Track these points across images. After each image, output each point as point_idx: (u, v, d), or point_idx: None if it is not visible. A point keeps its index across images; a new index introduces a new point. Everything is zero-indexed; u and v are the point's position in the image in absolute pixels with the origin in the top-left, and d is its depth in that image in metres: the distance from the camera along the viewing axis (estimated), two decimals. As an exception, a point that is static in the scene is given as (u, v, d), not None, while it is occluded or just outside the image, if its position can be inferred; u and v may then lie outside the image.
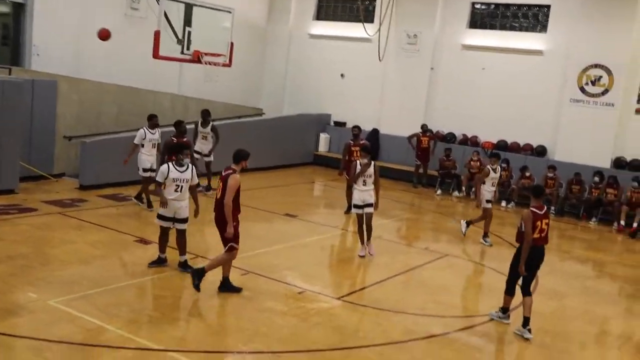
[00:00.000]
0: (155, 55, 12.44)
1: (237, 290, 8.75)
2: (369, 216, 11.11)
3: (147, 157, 12.71)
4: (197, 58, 13.03)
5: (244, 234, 8.70)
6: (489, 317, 8.63)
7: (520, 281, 8.40)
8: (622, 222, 15.51)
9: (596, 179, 16.66)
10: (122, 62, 17.52)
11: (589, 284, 11.31)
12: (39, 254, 9.60)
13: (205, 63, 13.14)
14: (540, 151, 18.56)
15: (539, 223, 8.11)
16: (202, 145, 14.82)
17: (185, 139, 12.30)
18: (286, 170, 19.64)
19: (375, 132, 20.97)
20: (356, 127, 14.87)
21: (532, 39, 18.73)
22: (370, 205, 11.14)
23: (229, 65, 13.82)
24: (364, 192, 11.12)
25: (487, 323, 8.56)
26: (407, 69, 20.53)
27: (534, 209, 8.19)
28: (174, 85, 19.48)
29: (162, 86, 18.53)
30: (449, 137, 19.92)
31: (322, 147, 21.72)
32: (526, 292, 8.32)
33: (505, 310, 8.57)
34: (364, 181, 11.09)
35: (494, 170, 12.98)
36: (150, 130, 12.81)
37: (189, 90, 19.40)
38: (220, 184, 8.55)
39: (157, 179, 9.17)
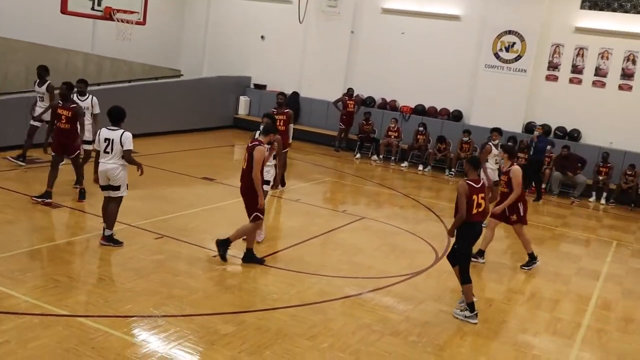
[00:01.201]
0: (64, 10, 11.82)
1: (261, 261, 8.75)
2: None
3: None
4: (108, 15, 12.47)
5: (160, 198, 8.56)
6: (454, 316, 7.83)
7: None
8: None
9: (509, 143, 17.19)
10: (31, 18, 16.66)
11: (505, 245, 11.75)
12: (-61, 218, 9.16)
13: (118, 20, 12.61)
14: (457, 115, 18.98)
15: (475, 197, 7.65)
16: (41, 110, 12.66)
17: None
18: (205, 134, 19.36)
19: (295, 95, 20.90)
20: (281, 94, 13.44)
21: (449, 4, 18.98)
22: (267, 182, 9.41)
23: (143, 23, 13.31)
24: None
25: (399, 284, 8.77)
26: (327, 32, 20.47)
27: (469, 182, 7.75)
28: (87, 43, 18.73)
29: (75, 44, 17.79)
30: (369, 101, 20.08)
31: (242, 110, 21.49)
32: (465, 279, 7.79)
33: (471, 306, 7.73)
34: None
35: (496, 147, 12.13)
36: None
37: (103, 49, 18.70)
38: (246, 154, 8.47)
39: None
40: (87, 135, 11.35)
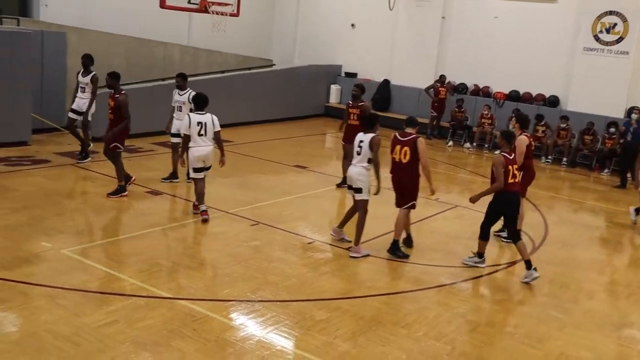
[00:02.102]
0: (162, 4, 12.31)
1: (405, 256, 8.80)
2: (356, 203, 8.86)
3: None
4: (204, 7, 12.86)
5: (254, 186, 8.82)
6: (463, 264, 8.71)
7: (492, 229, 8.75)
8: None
9: (611, 129, 16.51)
10: (131, 13, 17.37)
11: (599, 234, 11.34)
12: (53, 204, 9.72)
13: (213, 12, 12.96)
14: (553, 101, 18.36)
15: (510, 167, 8.19)
16: (80, 101, 12.43)
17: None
18: (297, 122, 19.61)
19: (386, 83, 20.81)
20: (357, 87, 12.14)
21: (546, -13, 18.34)
22: (358, 190, 8.74)
23: (237, 14, 13.65)
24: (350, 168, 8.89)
25: (495, 273, 8.63)
26: (418, 18, 20.23)
27: (505, 154, 8.28)
28: (183, 36, 19.36)
29: (172, 37, 18.42)
30: (461, 88, 19.73)
31: (333, 99, 21.62)
32: (516, 239, 8.40)
33: (480, 254, 8.69)
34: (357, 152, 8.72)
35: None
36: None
37: (199, 42, 19.28)
38: (405, 148, 8.68)
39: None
40: (175, 129, 11.12)
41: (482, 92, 19.45)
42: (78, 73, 12.51)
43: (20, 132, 13.00)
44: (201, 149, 9.29)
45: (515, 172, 8.29)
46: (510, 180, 8.20)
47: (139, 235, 8.78)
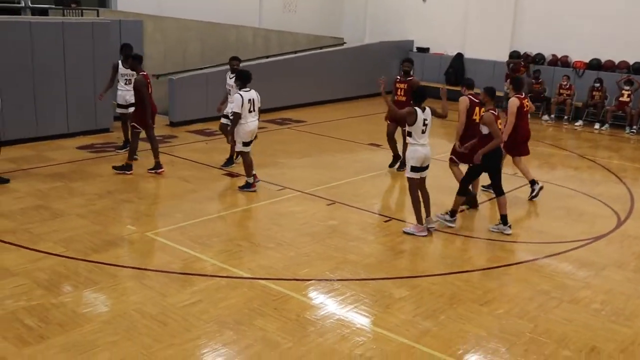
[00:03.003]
0: (236, -13, 12.43)
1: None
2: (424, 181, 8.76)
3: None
4: (275, -12, 12.92)
5: (329, 165, 8.87)
6: (436, 220, 8.79)
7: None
8: None
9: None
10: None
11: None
12: (135, 188, 10.06)
13: (284, -7, 13.01)
14: (638, 68, 17.54)
15: (498, 122, 8.69)
16: (128, 93, 11.77)
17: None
18: (369, 100, 19.47)
19: (459, 56, 20.40)
20: (407, 61, 11.80)
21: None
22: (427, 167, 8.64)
23: (308, -6, 13.65)
24: (424, 148, 8.46)
25: (578, 249, 8.39)
26: (492, -12, 19.68)
27: (492, 111, 8.60)
28: (254, 18, 19.53)
29: (244, 20, 18.62)
30: (538, 59, 19.10)
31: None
32: (499, 192, 8.80)
33: (453, 213, 8.91)
34: (422, 130, 8.37)
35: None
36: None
37: (270, 23, 19.41)
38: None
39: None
40: (227, 111, 11.11)
41: (560, 61, 18.78)
42: (116, 65, 11.84)
43: (102, 119, 13.48)
44: (252, 123, 9.82)
45: (500, 126, 8.88)
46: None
47: (218, 217, 8.99)
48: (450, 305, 6.56)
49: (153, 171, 10.77)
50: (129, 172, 10.70)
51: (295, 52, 18.65)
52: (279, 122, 15.80)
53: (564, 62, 18.70)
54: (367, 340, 5.83)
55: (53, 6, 15.07)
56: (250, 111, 9.72)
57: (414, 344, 5.78)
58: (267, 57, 17.94)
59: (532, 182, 10.51)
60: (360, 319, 6.24)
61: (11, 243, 7.66)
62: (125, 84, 11.89)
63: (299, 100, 17.16)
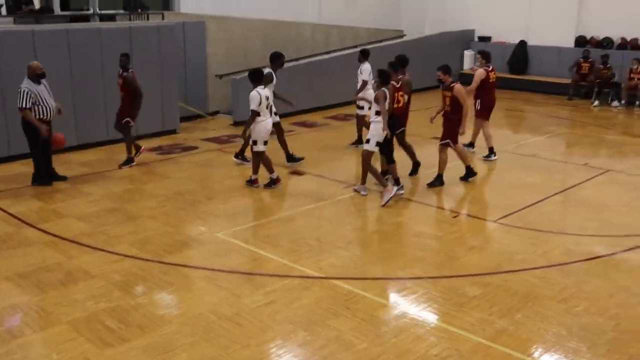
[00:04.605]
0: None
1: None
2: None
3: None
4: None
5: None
6: (387, 198, 9.22)
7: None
8: None
9: None
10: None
11: None
12: (204, 189, 10.24)
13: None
14: None
15: (396, 95, 9.62)
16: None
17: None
18: (432, 92, 19.19)
19: (522, 44, 19.94)
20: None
21: None
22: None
23: (368, -12, 13.59)
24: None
25: (657, 241, 8.09)
26: (556, -29, 19.14)
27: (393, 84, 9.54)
28: (314, 14, 19.57)
29: (303, 16, 18.69)
30: (606, 43, 18.53)
31: (467, 65, 21.05)
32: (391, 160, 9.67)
33: (397, 181, 9.66)
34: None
35: None
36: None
37: (329, 18, 19.40)
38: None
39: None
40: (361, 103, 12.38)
41: (629, 45, 18.15)
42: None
43: (169, 121, 13.77)
44: (270, 120, 9.98)
45: (400, 98, 9.84)
46: (395, 105, 9.69)
47: (286, 217, 9.06)
48: (525, 303, 6.43)
49: (127, 165, 11.37)
50: (133, 164, 11.41)
51: (356, 46, 18.57)
52: (341, 119, 15.80)
53: (633, 45, 18.08)
54: (442, 340, 5.76)
55: (121, 11, 15.46)
56: (267, 108, 9.86)
57: (490, 344, 5.69)
58: (328, 52, 17.94)
59: (490, 149, 11.87)
60: (434, 318, 6.18)
61: (88, 245, 7.90)
62: None
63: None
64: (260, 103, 9.66)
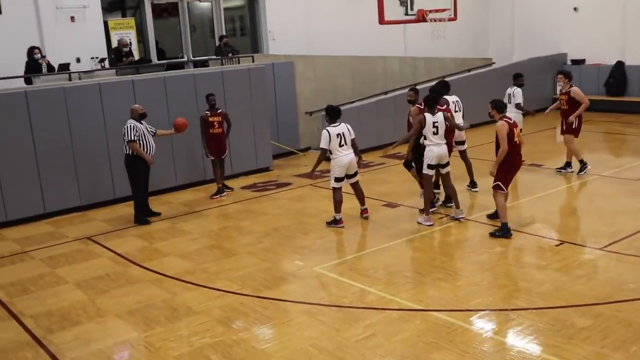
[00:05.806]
0: (381, 21, 12.60)
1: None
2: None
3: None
4: (421, 17, 12.95)
5: (486, 190, 8.68)
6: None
7: None
8: None
9: None
10: (351, 34, 18.13)
11: None
12: (299, 224, 10.34)
13: (431, 20, 12.99)
14: None
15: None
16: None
17: None
18: (525, 119, 18.77)
19: (620, 64, 19.21)
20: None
21: None
22: None
23: (455, 18, 13.52)
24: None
25: None
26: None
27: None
28: (400, 48, 19.66)
29: (390, 50, 18.80)
30: None
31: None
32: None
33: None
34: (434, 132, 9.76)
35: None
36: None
37: (415, 51, 19.43)
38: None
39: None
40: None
41: None
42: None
43: (263, 159, 14.08)
44: (344, 157, 9.81)
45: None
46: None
47: (383, 249, 8.99)
48: (641, 335, 6.07)
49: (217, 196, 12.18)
50: (223, 195, 12.24)
51: (444, 76, 18.45)
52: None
53: None
54: (553, 374, 5.52)
55: (213, 57, 16.08)
56: (340, 145, 9.76)
57: (605, 378, 5.40)
58: (416, 84, 17.88)
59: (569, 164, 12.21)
60: (544, 351, 5.92)
61: (191, 282, 8.12)
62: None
63: (451, 124, 16.93)
64: (330, 141, 9.72)
